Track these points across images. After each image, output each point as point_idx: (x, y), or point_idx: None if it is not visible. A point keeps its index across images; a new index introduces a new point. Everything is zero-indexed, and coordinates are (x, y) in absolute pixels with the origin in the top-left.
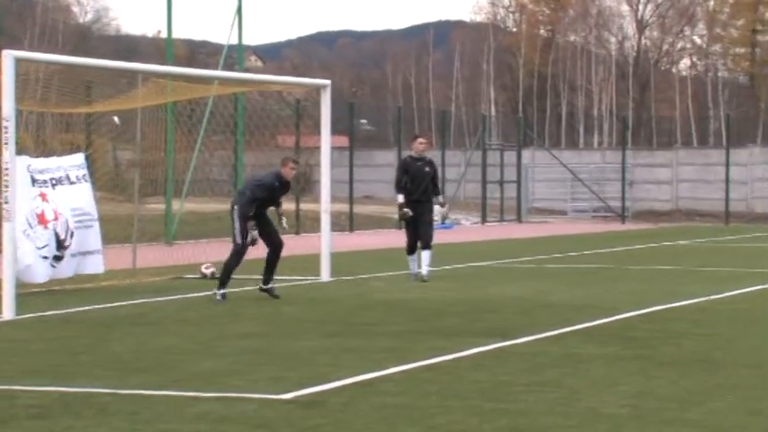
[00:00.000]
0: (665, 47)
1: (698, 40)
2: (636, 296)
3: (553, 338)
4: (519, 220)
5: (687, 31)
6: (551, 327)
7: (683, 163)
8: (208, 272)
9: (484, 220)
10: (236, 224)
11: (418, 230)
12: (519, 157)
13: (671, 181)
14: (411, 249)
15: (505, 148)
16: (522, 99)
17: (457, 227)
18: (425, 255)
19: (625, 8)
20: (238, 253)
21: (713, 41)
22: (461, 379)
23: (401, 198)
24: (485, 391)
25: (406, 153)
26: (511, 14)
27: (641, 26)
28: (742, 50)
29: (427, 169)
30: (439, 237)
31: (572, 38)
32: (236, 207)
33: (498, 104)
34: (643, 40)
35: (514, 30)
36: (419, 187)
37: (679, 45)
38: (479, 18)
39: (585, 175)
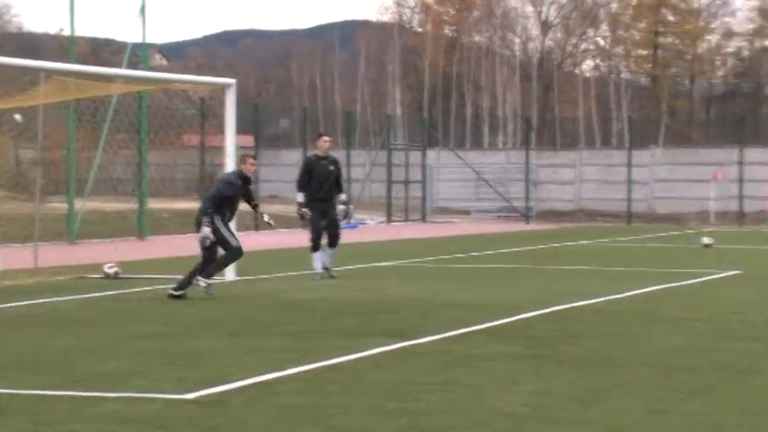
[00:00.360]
0: (569, 48)
1: (601, 42)
2: (538, 296)
3: (455, 338)
4: (424, 219)
5: (590, 33)
6: (453, 326)
7: (586, 164)
8: (111, 271)
9: (389, 220)
10: (221, 229)
11: (324, 229)
12: (424, 157)
13: (574, 181)
14: (315, 247)
15: (410, 148)
16: (428, 99)
17: (362, 226)
18: (331, 252)
19: (529, 9)
20: (232, 258)
21: (616, 43)
22: (363, 379)
23: (301, 197)
24: (386, 390)
25: (311, 152)
26: (416, 15)
27: (545, 27)
28: (644, 52)
29: (331, 168)
30: (343, 236)
31: (477, 38)
32: (213, 215)
33: (404, 105)
34: (547, 42)
35: (420, 30)
36: (322, 186)
37: (582, 46)
38: (385, 18)
39: (490, 175)
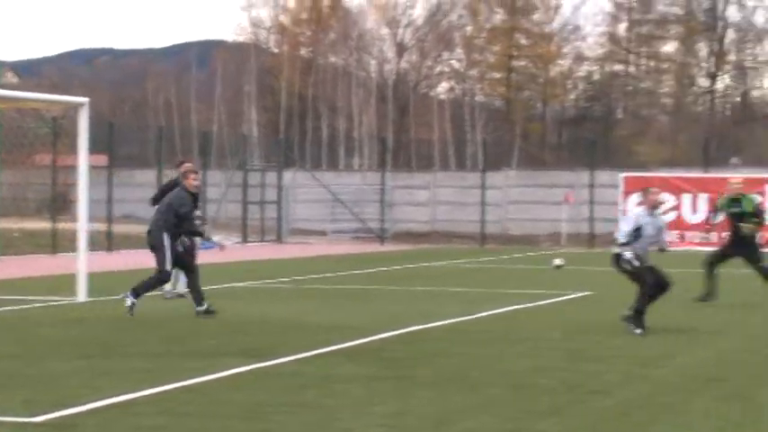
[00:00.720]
0: (425, 70)
1: (456, 65)
2: (393, 317)
3: (311, 359)
4: (279, 240)
5: (445, 56)
6: (309, 347)
7: (441, 185)
8: None
9: (245, 241)
10: (166, 251)
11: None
12: (280, 177)
13: (429, 203)
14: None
15: (267, 168)
16: (284, 120)
17: (217, 247)
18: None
19: (385, 31)
20: (162, 281)
21: (471, 66)
22: (218, 400)
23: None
24: (242, 411)
25: (168, 173)
26: (272, 36)
27: (401, 50)
28: (498, 75)
29: None
30: (199, 257)
31: (333, 60)
32: (165, 233)
33: (260, 125)
34: (402, 64)
35: (276, 51)
36: None
37: (438, 69)
38: (241, 38)
39: (346, 196)
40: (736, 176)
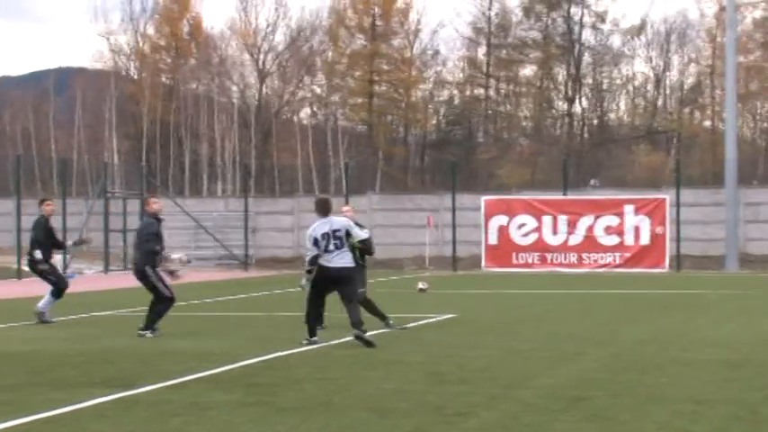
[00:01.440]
0: (286, 96)
1: (318, 90)
2: (259, 342)
3: (177, 386)
4: None
5: (307, 81)
6: (174, 374)
7: (305, 210)
8: None
9: (107, 269)
10: (158, 284)
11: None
12: (142, 205)
13: (293, 228)
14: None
15: (129, 196)
16: (146, 147)
17: (79, 276)
18: (48, 295)
19: (246, 57)
20: (171, 300)
21: (333, 91)
22: (83, 430)
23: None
24: None
25: (31, 201)
26: (132, 62)
27: (262, 75)
28: (360, 100)
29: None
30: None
31: (195, 86)
32: (147, 267)
33: (122, 153)
34: (264, 89)
35: (137, 78)
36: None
37: (300, 94)
38: (100, 65)
39: (210, 222)
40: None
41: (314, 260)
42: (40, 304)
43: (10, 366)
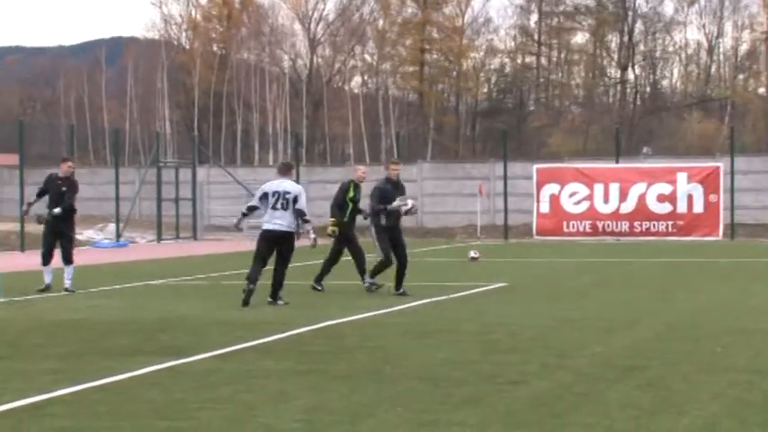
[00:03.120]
0: (337, 65)
1: (369, 59)
2: (309, 311)
3: (227, 355)
4: (195, 237)
5: (358, 50)
6: (226, 343)
7: None
8: None
9: (159, 238)
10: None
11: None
12: (194, 174)
13: None
14: (45, 260)
15: (180, 165)
16: (197, 117)
17: (132, 245)
18: (68, 269)
19: (297, 26)
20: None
21: (383, 60)
22: (134, 398)
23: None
24: (158, 409)
25: (85, 171)
26: (184, 32)
27: (313, 44)
28: (411, 69)
29: (63, 188)
30: (113, 255)
31: (246, 56)
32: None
33: (173, 122)
34: (315, 59)
35: (188, 47)
36: (54, 204)
37: (350, 63)
38: (152, 35)
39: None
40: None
41: (249, 210)
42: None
43: (63, 335)
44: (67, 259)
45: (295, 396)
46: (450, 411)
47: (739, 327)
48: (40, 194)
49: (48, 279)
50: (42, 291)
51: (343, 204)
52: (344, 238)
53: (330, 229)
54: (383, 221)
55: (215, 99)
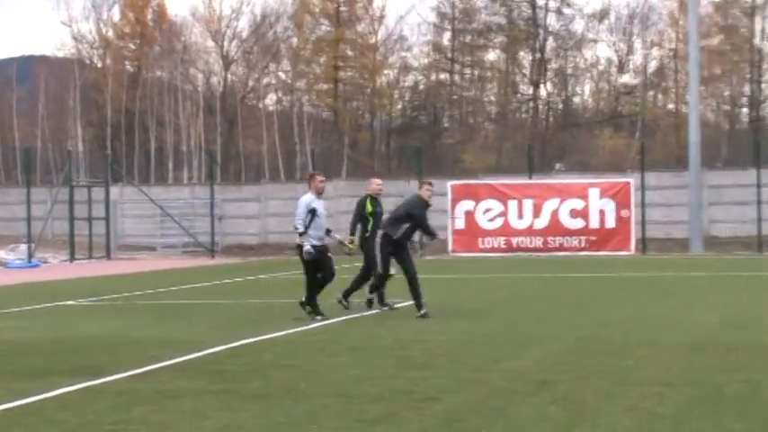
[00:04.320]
0: (251, 82)
1: (283, 76)
2: (223, 330)
3: (141, 375)
4: (108, 257)
5: (272, 67)
6: (139, 363)
7: (271, 197)
8: None
9: (72, 258)
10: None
11: None
12: (107, 193)
13: (259, 215)
14: None
15: (93, 184)
16: (111, 135)
17: (44, 265)
18: None
19: (210, 44)
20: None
21: (298, 77)
22: (47, 420)
23: None
24: (71, 431)
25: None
26: (96, 50)
27: (227, 62)
28: (325, 86)
29: None
30: (25, 275)
31: (159, 73)
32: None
33: (86, 141)
34: (229, 76)
35: (100, 65)
36: None
37: (265, 81)
38: (63, 54)
39: (175, 210)
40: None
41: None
42: None
43: None
44: None
45: (209, 415)
46: (365, 428)
47: (649, 340)
48: None
49: None
50: None
51: (364, 219)
52: (364, 252)
53: (348, 246)
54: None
55: (128, 117)
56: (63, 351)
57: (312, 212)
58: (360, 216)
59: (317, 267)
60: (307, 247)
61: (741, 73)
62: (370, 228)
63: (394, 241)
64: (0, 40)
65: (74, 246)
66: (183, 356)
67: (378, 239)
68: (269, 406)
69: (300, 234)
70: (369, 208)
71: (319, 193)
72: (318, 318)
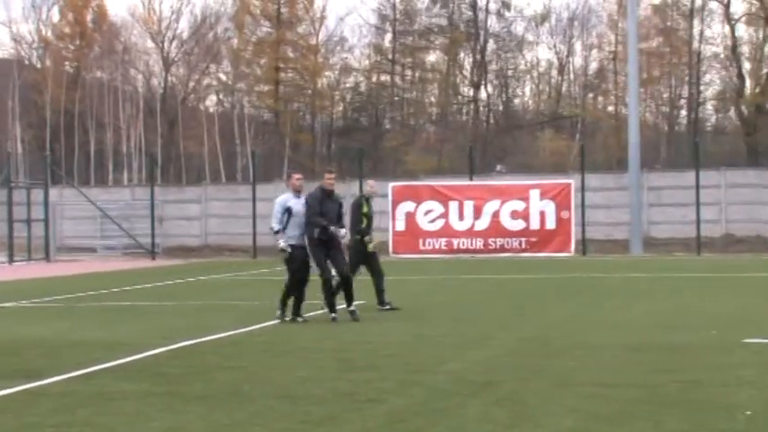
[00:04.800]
0: (192, 84)
1: (224, 78)
2: (166, 332)
3: (83, 377)
4: (48, 259)
5: (213, 69)
6: (81, 366)
7: (213, 198)
8: None
9: (11, 260)
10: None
11: None
12: (46, 195)
13: (200, 217)
14: None
15: (32, 186)
16: (50, 136)
17: None
18: None
19: (151, 45)
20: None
21: (238, 79)
22: None
23: None
24: None
25: None
26: (35, 51)
27: (167, 63)
28: (266, 88)
29: None
30: None
31: (99, 74)
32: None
33: (25, 142)
34: (169, 77)
35: (39, 66)
36: None
37: (205, 82)
38: (1, 54)
39: (115, 212)
40: None
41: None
42: None
43: None
44: None
45: (153, 417)
46: (310, 429)
47: (590, 342)
48: None
49: None
50: None
51: (360, 220)
52: (368, 253)
53: (370, 245)
54: (316, 234)
55: (67, 118)
56: (2, 354)
57: (288, 211)
58: (358, 217)
59: (298, 268)
60: (282, 244)
61: (680, 75)
62: (363, 228)
63: (323, 242)
64: None
65: (12, 247)
66: (124, 358)
67: (308, 247)
68: (212, 407)
69: (275, 233)
70: (364, 208)
71: (297, 192)
72: (280, 316)
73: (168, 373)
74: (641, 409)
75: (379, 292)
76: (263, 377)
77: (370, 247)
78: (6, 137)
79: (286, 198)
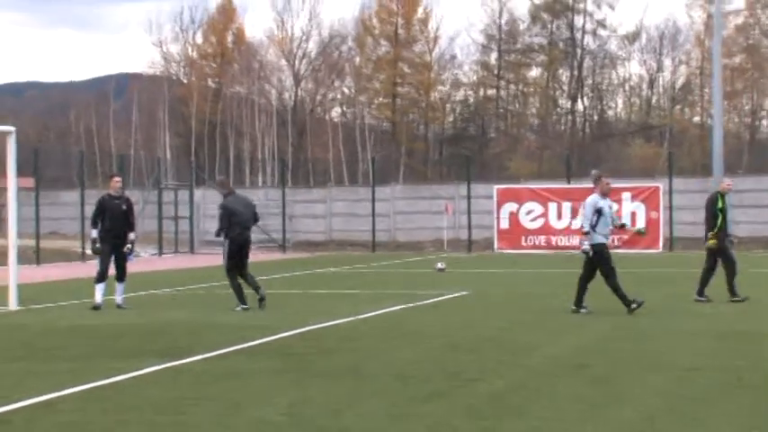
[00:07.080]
0: (319, 97)
1: (347, 91)
2: (294, 317)
3: (221, 356)
4: (192, 251)
5: (337, 84)
6: (219, 346)
7: (336, 199)
8: None
9: (160, 252)
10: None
11: (114, 262)
12: (191, 195)
13: (325, 215)
14: (100, 278)
15: (179, 187)
16: (195, 144)
17: (136, 258)
18: (120, 287)
19: (283, 63)
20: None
21: (360, 92)
22: (137, 396)
23: (94, 233)
24: (158, 405)
25: (94, 192)
26: (182, 68)
27: (298, 79)
28: (384, 101)
29: (123, 207)
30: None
31: (237, 89)
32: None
33: (173, 149)
34: (299, 91)
35: (186, 82)
36: (115, 224)
37: (330, 95)
38: (154, 71)
39: None
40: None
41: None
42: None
43: (77, 339)
44: (121, 277)
45: (279, 393)
46: (419, 404)
47: (677, 328)
48: (97, 221)
49: (99, 296)
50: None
51: (715, 215)
52: (717, 249)
53: (711, 242)
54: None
55: (210, 128)
56: (153, 334)
57: (599, 212)
58: (713, 213)
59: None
60: (585, 246)
61: (761, 88)
62: (719, 223)
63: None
64: (98, 59)
65: (162, 241)
66: (257, 340)
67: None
68: (334, 385)
69: (585, 233)
70: (719, 204)
71: (605, 194)
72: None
73: (295, 354)
74: (726, 392)
75: (730, 284)
76: (379, 358)
77: (710, 243)
78: (157, 144)
79: (596, 199)
